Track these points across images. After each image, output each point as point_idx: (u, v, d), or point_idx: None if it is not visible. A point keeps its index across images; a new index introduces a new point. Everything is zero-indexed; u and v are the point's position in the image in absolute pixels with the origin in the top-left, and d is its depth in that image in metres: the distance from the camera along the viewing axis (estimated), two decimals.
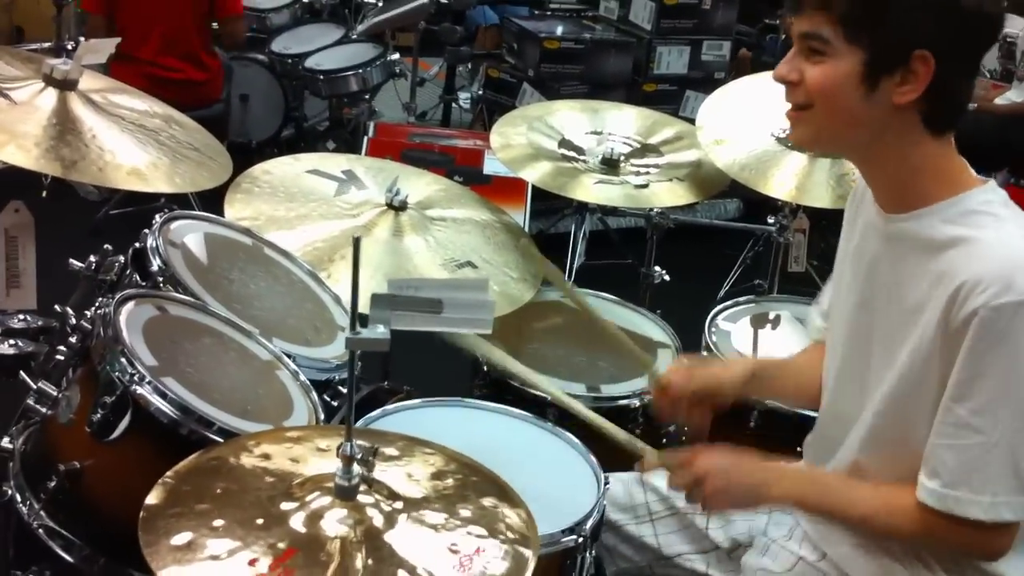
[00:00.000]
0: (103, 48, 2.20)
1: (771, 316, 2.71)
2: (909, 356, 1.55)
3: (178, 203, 3.15)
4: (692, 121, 2.95)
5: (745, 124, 2.85)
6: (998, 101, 4.97)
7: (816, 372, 1.83)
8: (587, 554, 1.75)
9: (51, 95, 2.00)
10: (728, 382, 1.89)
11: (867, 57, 1.49)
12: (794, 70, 1.56)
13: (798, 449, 1.91)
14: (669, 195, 2.76)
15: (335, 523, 1.37)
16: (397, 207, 2.46)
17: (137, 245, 2.04)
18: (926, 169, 1.56)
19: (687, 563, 1.92)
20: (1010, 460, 1.48)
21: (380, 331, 1.43)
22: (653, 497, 1.96)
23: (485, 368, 2.36)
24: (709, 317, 2.62)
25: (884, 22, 1.47)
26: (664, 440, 2.41)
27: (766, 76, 3.04)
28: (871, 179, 1.64)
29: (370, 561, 1.32)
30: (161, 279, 1.96)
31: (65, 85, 2.01)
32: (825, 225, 4.37)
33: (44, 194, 2.52)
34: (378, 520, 1.38)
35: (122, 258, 2.06)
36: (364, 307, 1.45)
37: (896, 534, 1.62)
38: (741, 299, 2.77)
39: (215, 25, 4.60)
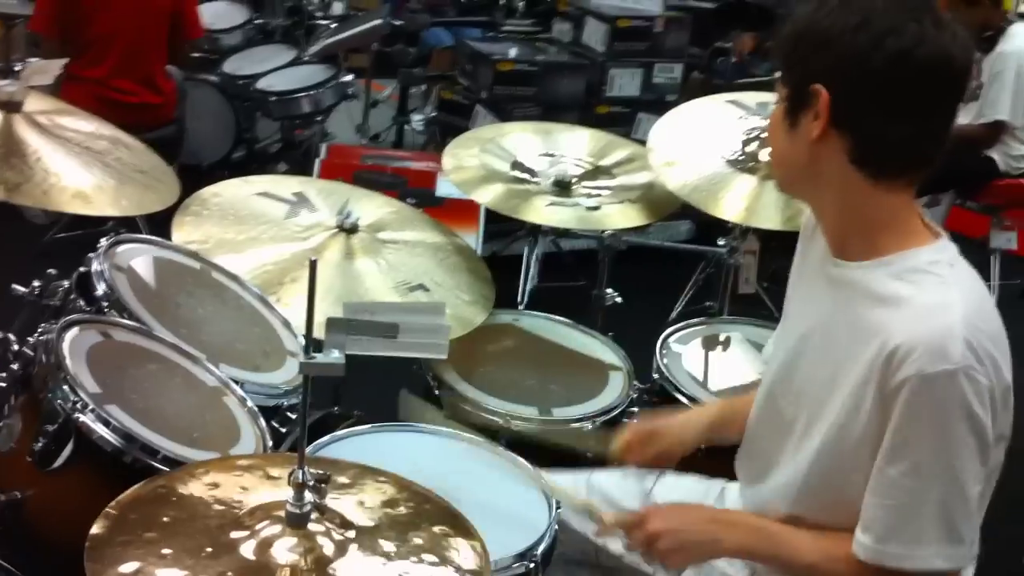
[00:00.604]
0: (50, 69, 2.17)
1: (721, 338, 2.73)
2: (842, 409, 1.57)
3: (127, 226, 3.11)
4: (644, 143, 2.96)
5: (695, 146, 2.86)
6: None
7: None
8: None
9: None
10: (684, 442, 1.93)
11: (786, 94, 1.60)
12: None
13: None
14: (621, 217, 2.77)
15: (285, 551, 1.35)
16: (348, 229, 2.44)
17: (82, 269, 2.01)
18: (874, 220, 1.58)
19: (632, 562, 1.92)
20: (941, 515, 1.50)
21: (335, 356, 1.42)
22: (599, 498, 1.96)
23: (437, 392, 2.35)
24: (660, 339, 2.63)
25: (795, 61, 1.59)
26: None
27: (717, 98, 3.10)
28: (823, 225, 1.68)
29: None
30: (106, 304, 1.93)
31: (10, 107, 1.98)
32: (775, 246, 4.41)
33: None
34: (329, 548, 1.37)
35: (67, 283, 2.02)
36: (317, 331, 1.43)
37: None
38: (692, 321, 2.78)
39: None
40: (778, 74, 1.63)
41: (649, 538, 1.66)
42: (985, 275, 1.84)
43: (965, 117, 4.94)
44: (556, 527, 1.82)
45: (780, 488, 1.71)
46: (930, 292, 1.52)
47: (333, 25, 5.46)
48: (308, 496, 1.38)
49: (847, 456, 1.58)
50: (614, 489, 1.98)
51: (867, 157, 1.55)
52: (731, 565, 1.80)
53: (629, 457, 1.93)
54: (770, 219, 2.68)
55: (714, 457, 2.01)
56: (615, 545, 1.92)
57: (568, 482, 1.98)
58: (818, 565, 1.62)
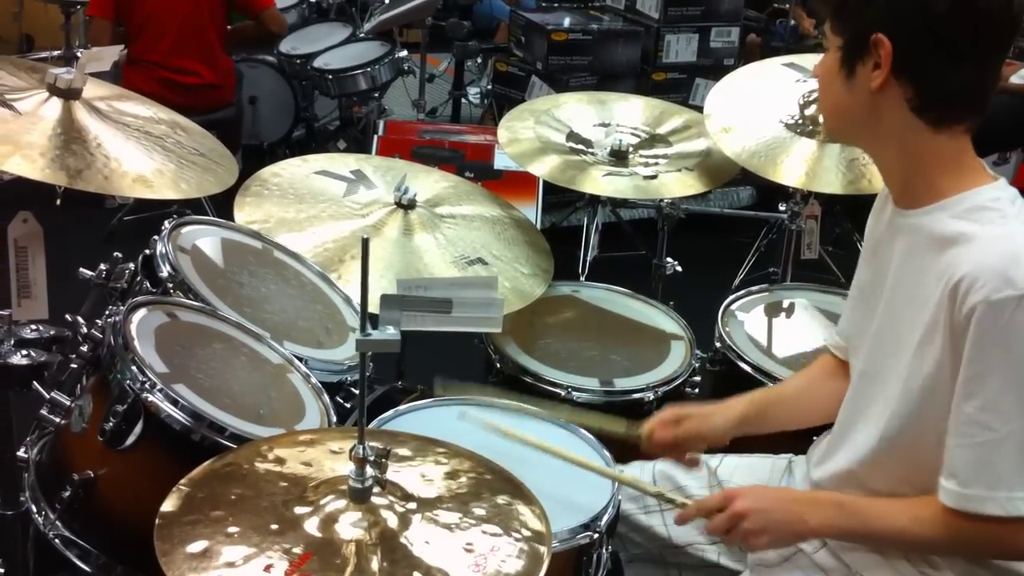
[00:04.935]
0: (107, 56, 2.19)
1: (785, 304, 2.71)
2: (914, 355, 1.56)
3: (192, 207, 3.15)
4: (702, 109, 2.93)
5: (753, 111, 2.82)
6: (1013, 80, 4.92)
7: (814, 391, 1.85)
8: (603, 550, 1.74)
9: (56, 104, 2.00)
10: (714, 432, 1.90)
11: (841, 44, 1.58)
12: (817, 66, 1.67)
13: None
14: (678, 185, 2.75)
15: (350, 526, 1.37)
16: (406, 205, 2.46)
17: (147, 252, 2.04)
18: (935, 164, 1.57)
19: (698, 552, 1.92)
20: (1022, 455, 1.48)
21: (390, 332, 1.43)
22: (666, 485, 1.96)
23: (498, 365, 2.36)
24: (722, 307, 2.61)
25: (850, 11, 1.57)
26: None
27: (774, 62, 3.05)
28: (883, 173, 1.67)
29: (385, 563, 1.32)
30: (171, 285, 1.96)
31: (69, 94, 2.01)
32: (839, 210, 4.36)
33: (58, 202, 2.53)
34: (392, 521, 1.38)
35: (132, 265, 2.06)
36: (374, 307, 1.45)
37: (929, 545, 1.62)
38: (754, 288, 2.76)
39: (246, 22, 4.61)
40: (826, 25, 1.61)
41: (733, 519, 1.64)
42: None
43: None
44: (620, 499, 1.81)
45: (855, 453, 1.69)
46: (993, 226, 1.51)
47: (387, 1, 5.46)
48: (369, 471, 1.39)
49: (921, 406, 1.56)
50: (679, 475, 1.97)
51: (929, 104, 1.54)
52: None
53: (654, 440, 1.90)
54: (831, 183, 2.64)
55: (772, 435, 1.99)
56: (680, 538, 1.92)
57: (635, 471, 1.98)
58: (907, 529, 1.59)
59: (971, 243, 1.50)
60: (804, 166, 2.66)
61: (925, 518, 1.57)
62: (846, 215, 4.37)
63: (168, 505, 1.38)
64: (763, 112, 2.81)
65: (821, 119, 1.72)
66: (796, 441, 1.92)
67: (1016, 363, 1.45)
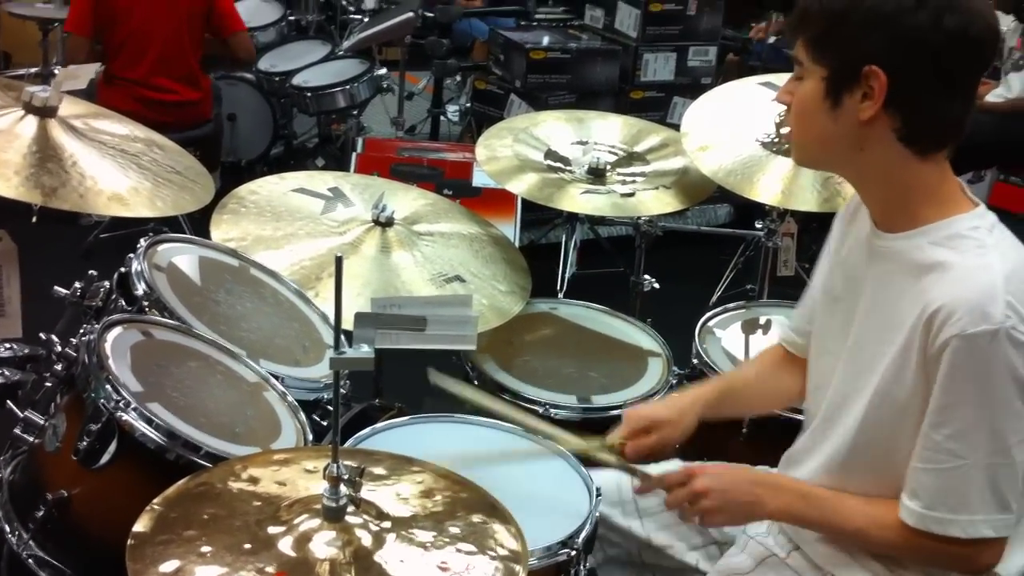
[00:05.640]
0: (83, 74, 2.19)
1: (762, 321, 2.72)
2: (884, 377, 1.57)
3: (169, 225, 3.14)
4: (680, 127, 2.94)
5: (730, 129, 2.84)
6: (988, 98, 4.97)
7: (767, 382, 1.88)
8: (581, 567, 1.74)
9: (31, 123, 2.00)
10: (685, 432, 1.89)
11: (827, 74, 1.55)
12: (785, 93, 1.64)
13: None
14: (655, 203, 2.77)
15: (323, 545, 1.36)
16: (383, 223, 2.46)
17: (122, 270, 2.03)
18: (916, 190, 1.57)
19: (676, 555, 1.92)
20: (987, 481, 1.50)
21: (364, 350, 1.43)
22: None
23: (476, 383, 2.36)
24: (700, 323, 2.62)
25: (837, 41, 1.54)
26: None
27: (750, 81, 3.07)
28: (864, 197, 1.67)
29: None
30: (146, 303, 1.96)
31: (45, 112, 2.01)
32: (815, 228, 4.37)
33: (34, 220, 2.52)
34: (367, 540, 1.38)
35: (107, 283, 2.05)
36: (350, 325, 1.45)
37: (887, 548, 1.64)
38: (731, 305, 2.77)
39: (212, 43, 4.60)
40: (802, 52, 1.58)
41: (692, 496, 1.66)
42: None
43: (1007, 91, 4.86)
44: (597, 515, 1.82)
45: (824, 463, 1.70)
46: (970, 256, 1.51)
47: (366, 19, 5.48)
48: (343, 489, 1.39)
49: (891, 424, 1.58)
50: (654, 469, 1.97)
51: (919, 135, 1.54)
52: (768, 535, 1.81)
53: (629, 452, 1.86)
54: (807, 201, 2.67)
55: (753, 443, 2.00)
56: (658, 540, 1.92)
57: (608, 478, 1.97)
58: (866, 530, 1.62)
59: (948, 273, 1.50)
60: (780, 184, 2.68)
61: (886, 524, 1.59)
62: (822, 232, 4.39)
63: (140, 525, 1.37)
64: (740, 131, 2.83)
65: (792, 146, 1.70)
66: (773, 456, 1.92)
67: (989, 396, 1.47)
